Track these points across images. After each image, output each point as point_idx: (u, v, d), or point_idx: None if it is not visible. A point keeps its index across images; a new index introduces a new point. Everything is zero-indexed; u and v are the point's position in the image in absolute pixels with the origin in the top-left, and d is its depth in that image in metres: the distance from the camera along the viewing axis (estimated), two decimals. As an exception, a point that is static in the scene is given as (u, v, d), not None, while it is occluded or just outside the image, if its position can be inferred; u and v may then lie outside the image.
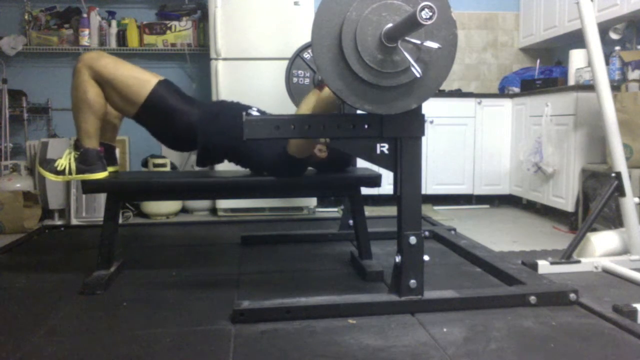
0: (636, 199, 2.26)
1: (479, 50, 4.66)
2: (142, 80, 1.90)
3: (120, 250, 2.31)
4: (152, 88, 1.90)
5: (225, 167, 3.43)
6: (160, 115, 1.93)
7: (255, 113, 2.02)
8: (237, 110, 2.05)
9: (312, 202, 3.77)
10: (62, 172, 1.91)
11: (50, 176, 1.92)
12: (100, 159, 1.94)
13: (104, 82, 1.86)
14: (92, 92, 1.86)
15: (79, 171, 1.91)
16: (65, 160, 1.92)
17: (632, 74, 3.09)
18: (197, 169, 3.79)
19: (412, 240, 1.57)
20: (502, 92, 4.40)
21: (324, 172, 2.13)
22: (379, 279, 1.96)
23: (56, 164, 1.92)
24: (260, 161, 2.03)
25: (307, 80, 2.61)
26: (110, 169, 2.03)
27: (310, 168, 2.13)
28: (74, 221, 3.45)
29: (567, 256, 2.23)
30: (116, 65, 1.88)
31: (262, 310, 1.57)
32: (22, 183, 3.55)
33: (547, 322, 1.55)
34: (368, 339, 1.44)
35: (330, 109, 1.86)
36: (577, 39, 3.71)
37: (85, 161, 1.91)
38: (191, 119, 1.94)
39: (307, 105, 1.91)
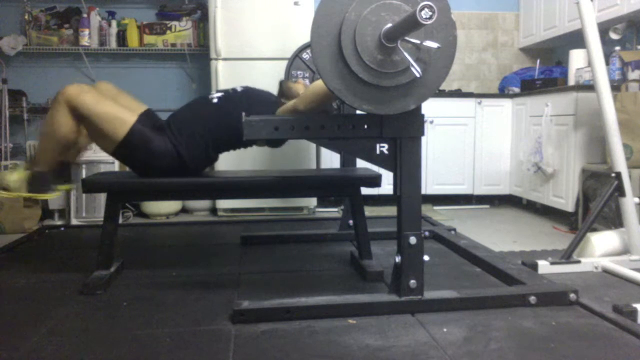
0: (636, 199, 2.26)
1: (479, 50, 4.66)
2: (120, 120, 1.89)
3: (120, 250, 2.31)
4: (129, 128, 1.90)
5: (225, 166, 3.42)
6: (138, 153, 1.94)
7: (217, 94, 2.05)
8: (198, 103, 2.09)
9: (312, 202, 3.78)
10: (10, 190, 1.95)
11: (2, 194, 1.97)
12: (49, 181, 1.97)
13: (82, 118, 1.87)
14: (66, 129, 1.87)
15: (29, 189, 1.95)
16: (19, 175, 1.95)
17: (632, 74, 3.09)
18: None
19: (412, 240, 1.57)
20: (502, 92, 4.40)
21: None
22: (379, 279, 1.96)
23: (8, 180, 1.95)
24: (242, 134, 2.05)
25: (306, 81, 2.61)
26: (63, 187, 2.06)
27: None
28: (74, 221, 3.45)
29: (567, 256, 2.23)
30: (96, 103, 1.87)
31: (262, 310, 1.57)
32: (22, 183, 3.55)
33: (547, 322, 1.55)
34: (368, 339, 1.44)
35: (320, 101, 1.84)
36: (577, 39, 3.70)
37: (35, 181, 1.94)
38: (168, 146, 1.95)
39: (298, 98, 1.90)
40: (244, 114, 1.57)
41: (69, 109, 1.85)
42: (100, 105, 1.88)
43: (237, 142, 2.06)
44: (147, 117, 2.00)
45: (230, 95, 2.06)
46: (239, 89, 2.08)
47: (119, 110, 1.92)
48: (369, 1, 1.38)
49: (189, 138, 1.97)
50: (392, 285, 1.66)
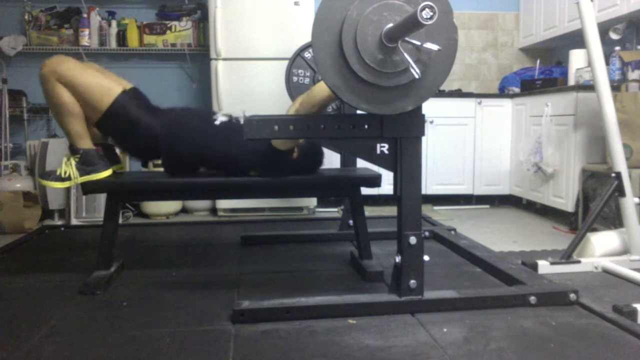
0: (636, 199, 2.26)
1: (479, 50, 4.66)
2: (105, 88, 1.87)
3: (120, 250, 2.31)
4: (115, 97, 1.88)
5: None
6: (121, 125, 1.92)
7: (221, 118, 2.00)
8: (201, 116, 2.04)
9: (312, 202, 3.78)
10: (67, 179, 1.90)
11: (56, 185, 1.91)
12: (101, 158, 1.94)
13: (68, 86, 1.85)
14: (66, 95, 1.84)
15: (83, 173, 1.90)
16: (67, 166, 1.91)
17: (632, 74, 3.09)
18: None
19: (412, 240, 1.57)
20: (502, 92, 4.40)
21: (294, 173, 2.04)
22: (379, 279, 1.96)
23: (58, 172, 1.91)
24: (238, 162, 1.97)
25: (307, 80, 2.61)
26: (114, 167, 2.03)
27: None
28: (74, 221, 3.45)
29: (567, 256, 2.24)
30: (80, 70, 1.86)
31: (262, 310, 1.57)
32: (22, 183, 3.55)
33: (547, 322, 1.55)
34: (368, 339, 1.44)
35: (321, 103, 1.84)
36: (577, 39, 3.71)
37: (87, 162, 1.90)
38: (153, 130, 1.92)
39: (298, 102, 1.90)
40: (244, 112, 1.57)
41: (56, 79, 1.82)
42: (85, 73, 1.86)
43: (221, 165, 2.02)
44: (135, 93, 1.96)
45: (232, 125, 2.00)
46: (242, 121, 2.02)
47: (105, 80, 1.89)
48: (371, 0, 1.38)
49: (174, 138, 1.94)
50: (392, 285, 1.66)
